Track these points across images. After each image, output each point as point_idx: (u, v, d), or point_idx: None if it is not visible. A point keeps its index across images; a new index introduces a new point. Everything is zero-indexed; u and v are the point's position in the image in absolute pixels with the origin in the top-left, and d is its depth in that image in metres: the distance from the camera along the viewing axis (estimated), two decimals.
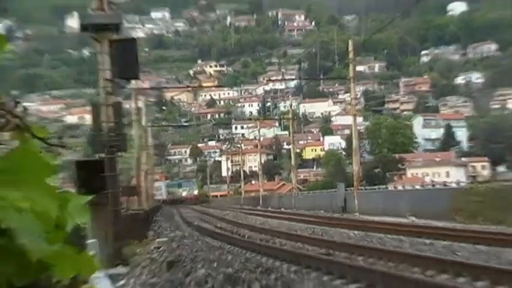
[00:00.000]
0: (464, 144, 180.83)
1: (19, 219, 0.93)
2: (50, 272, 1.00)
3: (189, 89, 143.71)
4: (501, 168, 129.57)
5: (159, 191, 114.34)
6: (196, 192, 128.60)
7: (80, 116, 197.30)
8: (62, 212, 1.05)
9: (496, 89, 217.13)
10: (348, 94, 71.48)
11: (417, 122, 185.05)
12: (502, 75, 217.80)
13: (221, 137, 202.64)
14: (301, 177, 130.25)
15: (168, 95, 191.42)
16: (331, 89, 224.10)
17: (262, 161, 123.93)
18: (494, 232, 22.34)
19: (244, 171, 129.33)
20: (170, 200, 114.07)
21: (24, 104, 1.20)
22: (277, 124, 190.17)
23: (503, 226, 26.11)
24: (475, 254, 16.85)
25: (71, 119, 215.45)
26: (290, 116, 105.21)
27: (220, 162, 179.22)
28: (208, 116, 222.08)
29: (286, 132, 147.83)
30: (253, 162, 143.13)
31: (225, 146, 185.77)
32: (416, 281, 12.22)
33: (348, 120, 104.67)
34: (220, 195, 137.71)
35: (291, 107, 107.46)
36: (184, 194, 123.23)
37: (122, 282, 15.12)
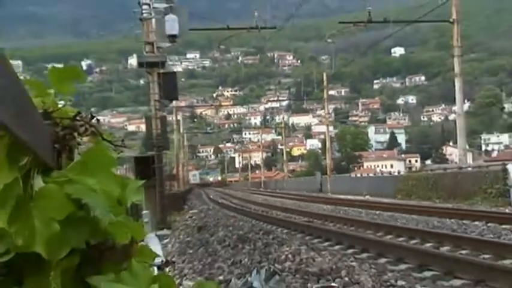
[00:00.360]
0: (403, 145, 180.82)
1: (92, 197, 0.96)
2: (114, 235, 1.04)
3: (213, 106, 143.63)
4: (428, 162, 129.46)
5: (194, 177, 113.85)
6: (219, 178, 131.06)
7: (137, 126, 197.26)
8: (123, 192, 1.07)
9: (424, 107, 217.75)
10: (323, 110, 71.36)
11: (371, 130, 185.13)
12: (429, 98, 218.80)
13: (235, 140, 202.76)
14: (291, 168, 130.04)
15: (198, 111, 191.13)
16: (311, 107, 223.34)
17: (263, 157, 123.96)
18: (423, 206, 22.33)
19: (250, 164, 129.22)
20: (202, 183, 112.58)
21: (98, 117, 1.23)
22: (273, 131, 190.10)
23: (430, 201, 26.10)
24: (410, 220, 16.84)
25: (131, 127, 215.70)
26: (283, 125, 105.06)
27: (234, 157, 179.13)
28: (226, 126, 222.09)
29: (280, 137, 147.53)
30: (257, 157, 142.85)
31: (238, 146, 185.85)
32: (370, 240, 12.24)
33: (323, 128, 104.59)
34: (234, 181, 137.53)
35: (283, 119, 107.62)
36: (211, 179, 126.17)
37: (166, 240, 15.12)
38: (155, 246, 10.10)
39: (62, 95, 1.17)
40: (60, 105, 1.15)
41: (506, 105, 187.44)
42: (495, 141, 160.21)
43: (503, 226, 13.61)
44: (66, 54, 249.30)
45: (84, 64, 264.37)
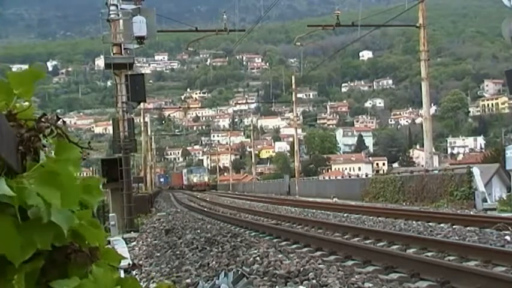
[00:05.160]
0: (371, 148, 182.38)
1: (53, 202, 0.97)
2: (78, 238, 1.04)
3: (181, 109, 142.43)
4: (395, 165, 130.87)
5: (185, 177, 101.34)
6: (206, 178, 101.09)
7: (104, 128, 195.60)
8: (86, 194, 1.07)
9: (391, 111, 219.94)
10: (292, 113, 71.69)
11: (339, 133, 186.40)
12: (396, 101, 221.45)
13: (203, 142, 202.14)
14: (259, 170, 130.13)
15: (166, 113, 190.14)
16: (280, 110, 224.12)
17: (232, 160, 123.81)
18: (390, 208, 22.55)
19: (219, 166, 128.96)
20: (188, 185, 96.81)
21: (64, 118, 1.20)
22: (242, 134, 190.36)
23: (397, 204, 26.38)
24: (377, 223, 16.98)
25: (98, 129, 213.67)
26: (251, 128, 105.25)
27: (202, 160, 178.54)
28: (194, 128, 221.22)
29: (249, 139, 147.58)
30: (225, 160, 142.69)
31: (206, 148, 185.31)
32: (338, 242, 12.30)
33: (291, 131, 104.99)
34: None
35: (252, 122, 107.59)
36: (195, 180, 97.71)
37: (133, 243, 15.01)
38: (122, 249, 10.01)
39: (25, 98, 1.14)
40: (24, 107, 1.13)
41: (471, 109, 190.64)
42: (460, 144, 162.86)
43: (468, 228, 13.83)
44: (31, 54, 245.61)
45: (50, 65, 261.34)
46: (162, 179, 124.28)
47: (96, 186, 1.12)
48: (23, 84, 1.12)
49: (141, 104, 31.49)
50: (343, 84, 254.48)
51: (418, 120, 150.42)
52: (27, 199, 0.94)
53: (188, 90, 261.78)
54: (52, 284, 0.99)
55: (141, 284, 8.63)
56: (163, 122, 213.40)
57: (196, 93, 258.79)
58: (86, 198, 1.08)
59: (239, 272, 7.67)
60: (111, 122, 23.66)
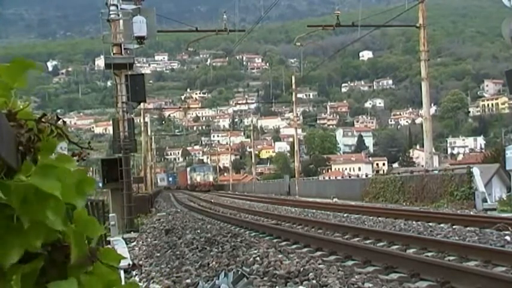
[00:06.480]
0: (371, 148, 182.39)
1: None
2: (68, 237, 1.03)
3: (181, 109, 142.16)
4: (395, 165, 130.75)
5: (189, 175, 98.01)
6: (211, 178, 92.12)
7: (104, 128, 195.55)
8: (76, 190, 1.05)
9: (392, 111, 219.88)
10: (292, 113, 71.71)
11: (339, 133, 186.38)
12: (396, 102, 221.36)
13: (203, 142, 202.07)
14: (259, 170, 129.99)
15: (166, 113, 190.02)
16: (280, 110, 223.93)
17: (232, 160, 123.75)
18: (390, 208, 22.54)
19: (219, 166, 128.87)
20: (191, 185, 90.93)
21: (64, 118, 1.22)
22: (242, 134, 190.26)
23: (397, 204, 26.38)
24: (376, 223, 16.98)
25: (98, 129, 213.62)
26: (251, 128, 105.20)
27: (202, 160, 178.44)
28: (194, 128, 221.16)
29: (249, 140, 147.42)
30: (225, 160, 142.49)
31: (206, 149, 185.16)
32: (338, 242, 12.30)
33: (291, 131, 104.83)
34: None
35: (252, 122, 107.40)
36: (198, 179, 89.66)
37: (133, 243, 15.01)
38: (122, 249, 10.02)
39: (23, 92, 1.13)
40: (23, 106, 1.11)
41: (471, 109, 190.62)
42: (460, 144, 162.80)
43: (468, 228, 13.83)
44: (31, 54, 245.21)
45: (50, 65, 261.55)
46: (170, 178, 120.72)
47: (89, 182, 1.09)
48: (16, 77, 1.10)
49: (141, 104, 31.50)
50: (343, 84, 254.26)
51: (418, 120, 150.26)
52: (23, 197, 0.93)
53: (188, 90, 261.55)
54: (49, 285, 0.98)
55: (141, 284, 8.59)
56: (163, 122, 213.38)
57: (196, 93, 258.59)
58: (77, 195, 1.05)
59: (239, 272, 7.68)
60: (111, 122, 23.67)
